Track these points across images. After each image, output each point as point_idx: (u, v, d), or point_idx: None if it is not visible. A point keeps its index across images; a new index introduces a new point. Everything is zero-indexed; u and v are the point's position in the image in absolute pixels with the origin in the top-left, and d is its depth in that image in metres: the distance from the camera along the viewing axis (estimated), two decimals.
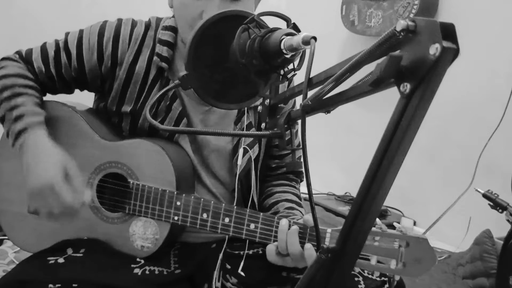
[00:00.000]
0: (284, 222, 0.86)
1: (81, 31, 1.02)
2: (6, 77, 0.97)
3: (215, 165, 1.05)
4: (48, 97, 1.05)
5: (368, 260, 0.78)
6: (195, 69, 0.61)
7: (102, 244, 0.98)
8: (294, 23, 0.57)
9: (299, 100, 0.59)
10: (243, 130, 1.03)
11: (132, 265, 0.94)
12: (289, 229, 0.85)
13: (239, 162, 1.01)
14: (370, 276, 0.92)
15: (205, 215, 0.92)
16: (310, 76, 0.51)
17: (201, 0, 0.89)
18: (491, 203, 1.24)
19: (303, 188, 0.91)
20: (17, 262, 1.41)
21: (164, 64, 0.99)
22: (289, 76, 0.59)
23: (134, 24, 1.01)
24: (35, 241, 1.01)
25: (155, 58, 0.99)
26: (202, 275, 1.00)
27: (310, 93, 0.51)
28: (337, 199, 2.51)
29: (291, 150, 0.63)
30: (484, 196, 1.25)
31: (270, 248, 0.87)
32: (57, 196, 0.85)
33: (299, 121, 0.56)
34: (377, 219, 0.77)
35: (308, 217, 0.86)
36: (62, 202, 0.85)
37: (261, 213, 0.89)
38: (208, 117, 1.04)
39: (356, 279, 0.90)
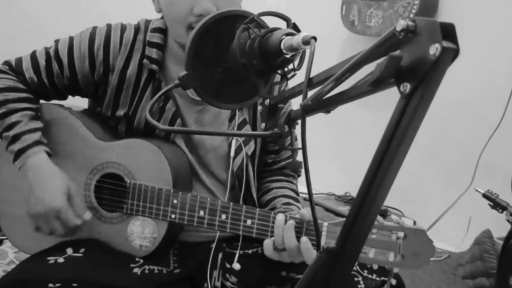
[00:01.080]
0: (280, 217, 0.86)
1: (71, 39, 1.01)
2: None
3: (212, 164, 1.05)
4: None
5: (366, 253, 0.78)
6: (195, 69, 0.61)
7: (101, 244, 0.98)
8: (294, 23, 0.57)
9: (296, 100, 0.59)
10: (237, 127, 1.03)
11: (132, 265, 0.94)
12: (285, 223, 0.85)
13: (232, 153, 1.01)
14: (369, 276, 0.92)
15: (202, 212, 0.93)
16: (310, 76, 0.51)
17: None
18: (491, 203, 1.24)
19: (303, 188, 0.91)
20: (17, 262, 1.41)
21: (154, 66, 0.98)
22: (289, 76, 0.59)
23: (123, 29, 1.00)
24: (34, 243, 1.01)
25: (145, 60, 0.99)
26: (201, 275, 1.00)
27: (310, 93, 0.51)
28: (337, 199, 2.50)
29: (291, 150, 0.63)
30: (484, 196, 1.25)
31: (267, 243, 0.87)
32: (62, 219, 0.91)
33: (299, 121, 0.55)
34: None
35: (305, 212, 0.87)
36: (67, 225, 0.92)
37: (258, 209, 0.90)
38: (202, 116, 1.04)
39: (356, 279, 0.90)
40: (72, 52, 1.00)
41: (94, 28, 1.01)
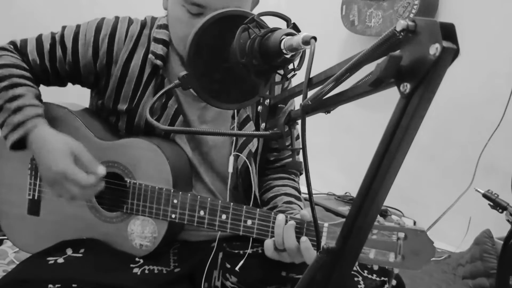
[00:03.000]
0: (281, 217, 0.86)
1: (78, 26, 1.02)
2: (2, 67, 0.97)
3: (215, 161, 1.05)
4: (44, 96, 1.05)
5: (366, 254, 0.78)
6: (195, 69, 0.61)
7: (101, 244, 0.98)
8: (294, 23, 0.57)
9: (296, 100, 0.59)
10: (240, 123, 1.03)
11: (132, 265, 0.94)
12: (285, 224, 0.85)
13: (230, 169, 1.01)
14: (369, 276, 0.92)
15: (202, 212, 0.93)
16: (310, 76, 0.51)
17: (197, 18, 0.88)
18: (491, 203, 1.24)
19: (303, 188, 0.91)
20: (17, 262, 1.41)
21: (158, 62, 0.99)
22: (289, 76, 0.59)
23: (130, 22, 1.02)
24: (34, 242, 1.01)
25: (150, 56, 0.99)
26: (201, 274, 1.00)
27: (310, 93, 0.51)
28: (337, 199, 2.50)
29: (291, 150, 0.63)
30: (484, 196, 1.25)
31: (268, 243, 0.87)
32: (73, 180, 0.86)
33: (299, 121, 0.56)
34: None
35: (305, 212, 0.87)
36: (80, 185, 0.87)
37: (258, 209, 0.90)
38: (205, 113, 1.04)
39: (356, 279, 0.90)
40: (77, 39, 1.00)
41: (103, 19, 1.02)
